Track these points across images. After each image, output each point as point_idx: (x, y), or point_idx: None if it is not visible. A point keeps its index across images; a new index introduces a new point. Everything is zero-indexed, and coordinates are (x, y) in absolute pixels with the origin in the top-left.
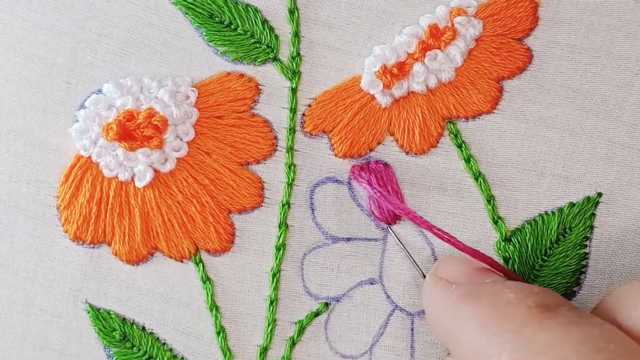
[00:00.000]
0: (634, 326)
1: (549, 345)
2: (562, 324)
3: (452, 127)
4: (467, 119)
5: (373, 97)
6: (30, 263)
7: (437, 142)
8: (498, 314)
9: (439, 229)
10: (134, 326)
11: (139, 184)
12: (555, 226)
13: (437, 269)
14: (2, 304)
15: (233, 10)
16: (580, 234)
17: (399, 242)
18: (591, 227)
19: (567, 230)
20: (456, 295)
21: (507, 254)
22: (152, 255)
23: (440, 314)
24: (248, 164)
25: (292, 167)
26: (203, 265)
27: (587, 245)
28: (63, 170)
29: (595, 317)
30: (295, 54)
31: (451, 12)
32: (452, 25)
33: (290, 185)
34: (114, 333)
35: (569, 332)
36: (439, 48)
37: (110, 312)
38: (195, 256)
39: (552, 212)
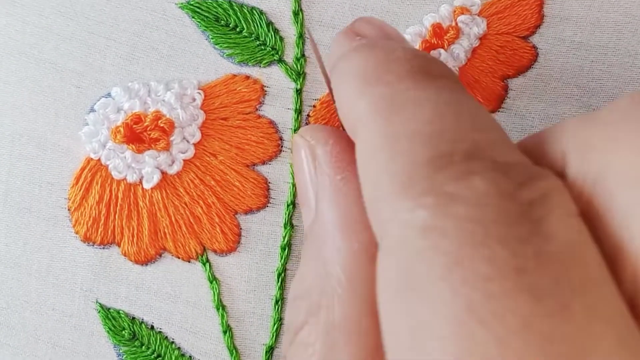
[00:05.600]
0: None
1: (414, 101)
2: (437, 87)
3: None
4: None
5: None
6: (43, 264)
7: None
8: (380, 67)
9: None
10: (143, 325)
11: (147, 185)
12: None
13: (354, 24)
14: (16, 303)
15: (238, 13)
16: None
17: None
18: None
19: None
20: (355, 45)
21: None
22: (160, 255)
23: (335, 61)
24: (254, 165)
25: None
26: (210, 265)
27: None
28: (74, 173)
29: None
30: (299, 55)
31: (455, 11)
32: (456, 24)
33: (295, 185)
34: (124, 332)
35: (440, 94)
36: (443, 47)
37: (120, 312)
38: (202, 256)
39: None
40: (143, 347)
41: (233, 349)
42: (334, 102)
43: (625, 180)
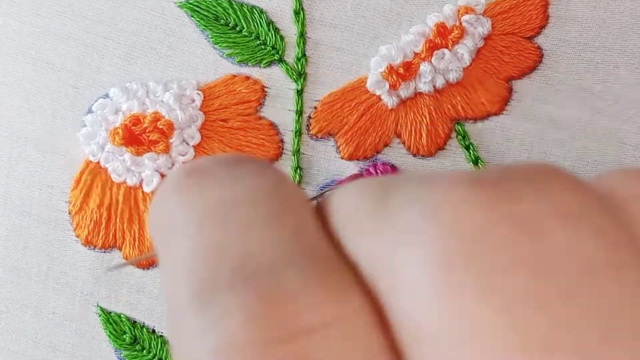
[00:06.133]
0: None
1: (178, 226)
2: (203, 197)
3: (460, 129)
4: (476, 120)
5: (379, 98)
6: (43, 267)
7: (445, 144)
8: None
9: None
10: (144, 329)
11: (147, 189)
12: None
13: None
14: (16, 307)
15: (238, 12)
16: None
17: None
18: None
19: None
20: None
21: None
22: None
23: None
24: None
25: (299, 171)
26: None
27: None
28: (73, 176)
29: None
30: (300, 55)
31: (459, 11)
32: (460, 23)
33: None
34: (125, 336)
35: (205, 199)
36: (447, 47)
37: (121, 316)
38: None
39: None
40: (144, 351)
41: None
42: None
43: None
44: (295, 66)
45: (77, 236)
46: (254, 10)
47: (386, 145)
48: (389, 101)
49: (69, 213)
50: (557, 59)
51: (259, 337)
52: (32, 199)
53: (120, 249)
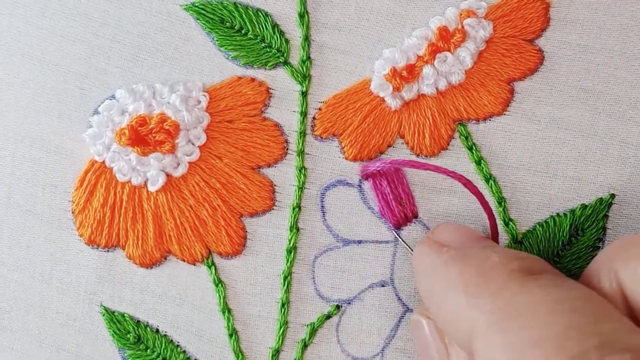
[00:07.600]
0: (613, 291)
1: (526, 306)
2: (542, 287)
3: (463, 129)
4: (478, 120)
5: (383, 100)
6: (46, 267)
7: (448, 144)
8: (481, 277)
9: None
10: (148, 328)
11: (152, 188)
12: (567, 228)
13: (433, 233)
14: (19, 307)
15: (244, 15)
16: (593, 235)
17: (405, 246)
18: (604, 229)
19: (580, 232)
20: (445, 258)
21: None
22: (165, 258)
23: (429, 274)
24: (259, 168)
25: (303, 171)
26: (215, 268)
27: (599, 247)
28: (77, 175)
29: (578, 283)
30: (305, 57)
31: (461, 14)
32: (462, 27)
33: (301, 188)
34: (129, 335)
35: (548, 293)
36: (449, 50)
37: (125, 315)
38: (207, 259)
39: (564, 214)
40: (148, 350)
41: (239, 353)
42: None
43: None
44: (300, 68)
45: (81, 235)
46: (259, 13)
47: (390, 145)
48: (393, 103)
49: (72, 212)
50: (558, 61)
51: None
52: (36, 198)
53: (123, 248)
